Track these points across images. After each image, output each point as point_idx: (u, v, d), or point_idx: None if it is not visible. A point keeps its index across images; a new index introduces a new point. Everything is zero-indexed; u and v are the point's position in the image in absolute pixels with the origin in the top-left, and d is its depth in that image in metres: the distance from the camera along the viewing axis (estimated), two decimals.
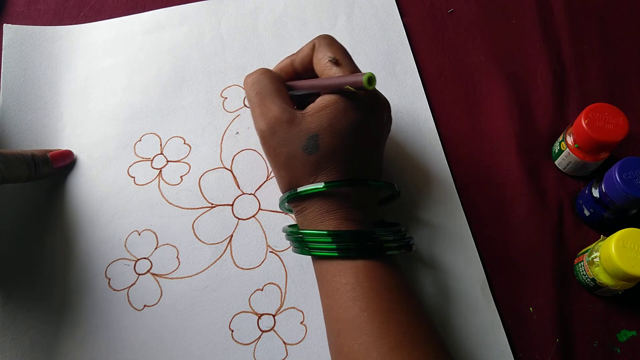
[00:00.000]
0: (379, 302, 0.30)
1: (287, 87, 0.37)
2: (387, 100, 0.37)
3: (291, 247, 0.36)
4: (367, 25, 0.50)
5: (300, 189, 0.33)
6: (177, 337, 0.38)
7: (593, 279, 0.37)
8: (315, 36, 0.37)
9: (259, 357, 0.37)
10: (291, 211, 0.38)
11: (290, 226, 0.38)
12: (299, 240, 0.34)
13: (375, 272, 0.32)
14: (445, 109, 0.47)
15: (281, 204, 0.37)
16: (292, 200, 0.35)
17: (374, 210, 0.37)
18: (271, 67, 0.47)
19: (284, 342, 0.38)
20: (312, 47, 0.36)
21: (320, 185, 0.33)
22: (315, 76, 0.37)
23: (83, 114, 0.46)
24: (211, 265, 0.40)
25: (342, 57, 0.35)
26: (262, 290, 0.39)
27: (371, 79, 0.30)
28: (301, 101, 0.40)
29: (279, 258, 0.40)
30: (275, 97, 0.35)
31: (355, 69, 0.35)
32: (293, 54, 0.38)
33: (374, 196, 0.37)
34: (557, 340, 0.38)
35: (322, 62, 0.35)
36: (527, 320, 0.39)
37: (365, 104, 0.34)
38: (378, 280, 0.31)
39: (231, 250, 0.41)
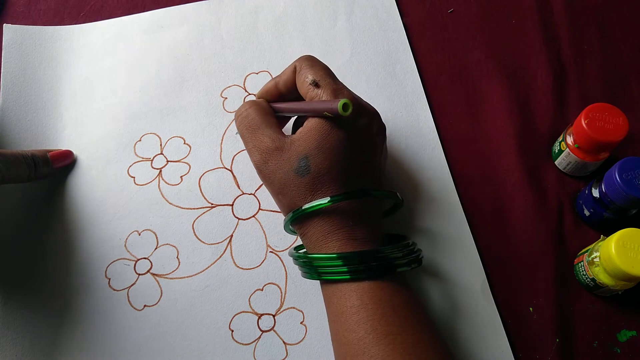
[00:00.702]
0: (384, 324, 0.30)
1: (274, 110, 0.38)
2: (374, 110, 0.37)
3: (300, 272, 0.36)
4: (367, 25, 0.50)
5: (305, 206, 0.33)
6: (177, 337, 0.38)
7: (593, 279, 0.37)
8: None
9: (259, 357, 0.37)
10: (296, 234, 0.37)
11: (296, 248, 0.37)
12: (307, 265, 0.34)
13: (381, 292, 0.31)
14: (445, 109, 0.47)
15: (285, 226, 0.36)
16: (295, 222, 0.35)
17: (378, 224, 0.36)
18: (270, 67, 0.48)
19: (284, 342, 0.38)
20: (294, 69, 0.36)
21: (325, 200, 0.32)
22: (300, 96, 0.37)
23: (83, 114, 0.46)
24: (211, 265, 0.40)
25: (322, 78, 0.35)
26: (262, 290, 0.39)
27: (346, 106, 0.30)
28: (296, 120, 0.41)
29: (279, 258, 0.40)
30: (265, 128, 0.35)
31: (337, 89, 0.34)
32: (277, 76, 0.39)
33: (377, 209, 0.37)
34: (557, 340, 0.38)
35: (305, 85, 0.35)
36: (527, 320, 0.39)
37: (350, 120, 0.33)
38: (384, 301, 0.31)
39: (231, 250, 0.41)
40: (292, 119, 0.42)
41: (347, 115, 0.31)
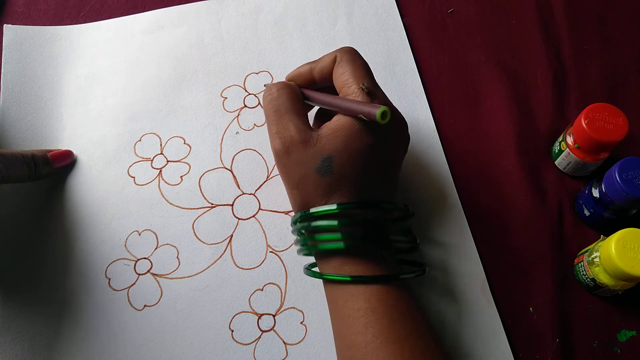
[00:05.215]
0: (392, 329, 0.30)
1: (303, 95, 0.37)
2: (404, 120, 0.36)
3: (303, 270, 0.36)
4: (367, 25, 0.50)
5: (312, 210, 0.33)
6: (177, 337, 0.38)
7: (593, 279, 0.37)
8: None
9: (259, 357, 0.37)
10: (310, 254, 0.36)
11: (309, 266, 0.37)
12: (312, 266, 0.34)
13: (389, 297, 0.31)
14: (445, 109, 0.47)
15: (293, 223, 0.36)
16: (315, 255, 0.35)
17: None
18: (270, 67, 0.48)
19: (284, 342, 0.38)
20: (334, 59, 0.35)
21: (333, 207, 0.32)
22: (333, 87, 0.36)
23: (83, 114, 0.46)
24: (211, 265, 0.40)
25: (362, 78, 0.33)
26: (262, 290, 0.39)
27: (385, 114, 0.29)
28: (320, 108, 0.39)
29: (279, 258, 0.40)
30: (292, 115, 0.34)
31: (373, 92, 0.33)
32: (313, 61, 0.37)
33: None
34: (557, 340, 0.38)
35: (342, 78, 0.34)
36: (527, 320, 0.39)
37: (382, 126, 0.32)
38: (391, 306, 0.31)
39: (231, 250, 0.41)
40: (316, 107, 0.40)
41: (383, 124, 0.30)
